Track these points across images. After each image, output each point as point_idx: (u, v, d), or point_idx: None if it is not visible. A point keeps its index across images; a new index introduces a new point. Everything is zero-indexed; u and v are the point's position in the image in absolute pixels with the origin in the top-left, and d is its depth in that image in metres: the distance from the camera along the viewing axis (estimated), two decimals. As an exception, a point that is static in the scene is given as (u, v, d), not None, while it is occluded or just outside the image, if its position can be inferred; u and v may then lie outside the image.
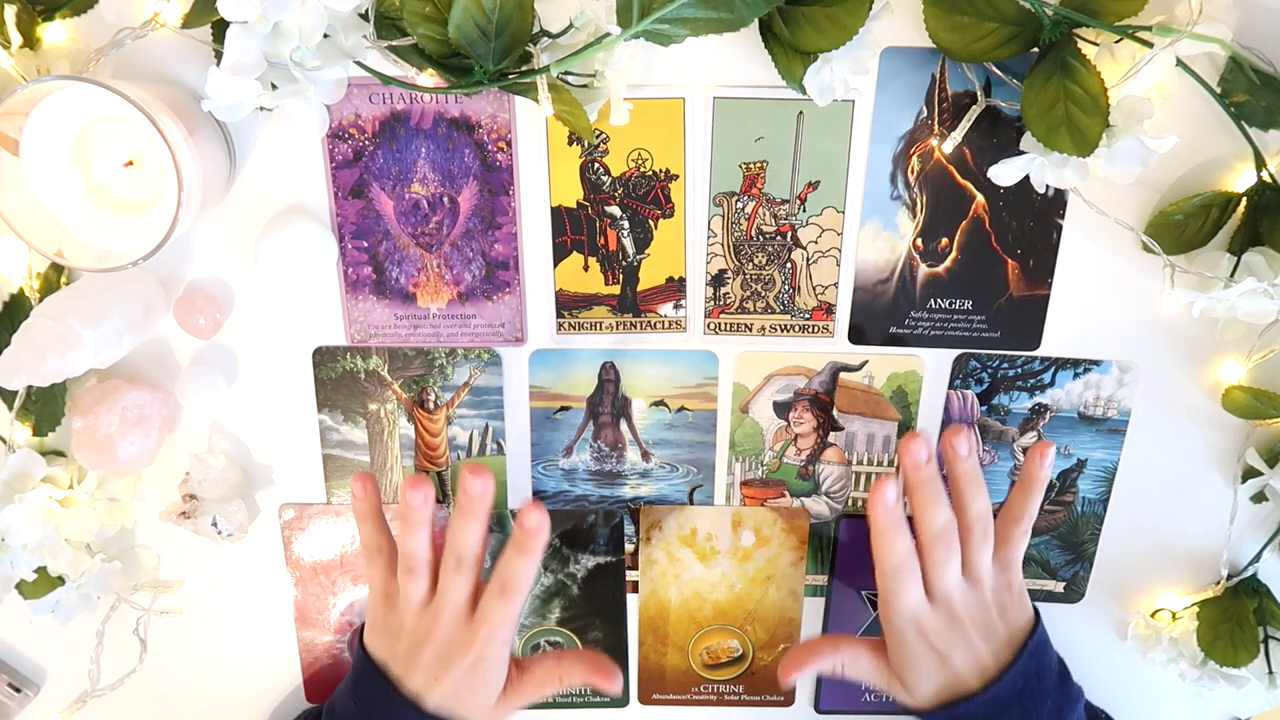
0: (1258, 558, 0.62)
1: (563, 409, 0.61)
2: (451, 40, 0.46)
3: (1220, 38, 0.48)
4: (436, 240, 0.57)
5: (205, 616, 0.66)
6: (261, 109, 0.49)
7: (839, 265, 0.58)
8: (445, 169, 0.56)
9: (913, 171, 0.56)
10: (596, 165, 0.56)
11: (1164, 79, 0.51)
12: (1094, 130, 0.47)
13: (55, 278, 0.56)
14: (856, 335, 0.60)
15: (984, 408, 0.61)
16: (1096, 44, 0.50)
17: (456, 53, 0.48)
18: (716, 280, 0.58)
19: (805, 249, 0.58)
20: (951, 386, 0.61)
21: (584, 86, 0.50)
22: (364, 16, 0.48)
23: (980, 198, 0.56)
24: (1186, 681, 0.64)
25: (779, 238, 0.57)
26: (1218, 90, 0.51)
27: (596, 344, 0.60)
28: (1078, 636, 0.66)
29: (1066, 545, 0.65)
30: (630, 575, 0.66)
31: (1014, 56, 0.49)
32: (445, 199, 0.56)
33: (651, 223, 0.57)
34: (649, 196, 0.57)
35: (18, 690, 0.66)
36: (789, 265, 0.58)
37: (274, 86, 0.47)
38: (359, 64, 0.49)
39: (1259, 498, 0.61)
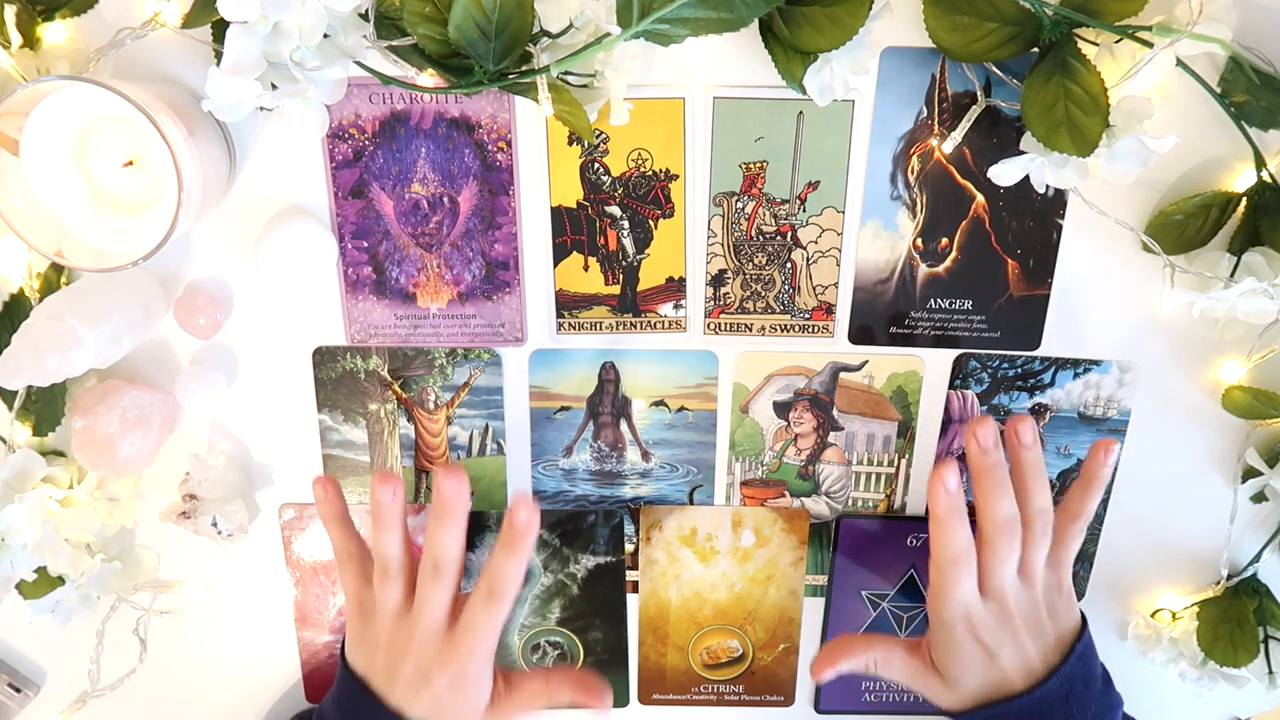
0: (1258, 558, 0.62)
1: (563, 409, 0.61)
2: (451, 40, 0.46)
3: (1220, 38, 0.48)
4: (436, 240, 0.57)
5: (205, 616, 0.65)
6: (261, 109, 0.48)
7: (839, 265, 0.58)
8: (445, 169, 0.56)
9: (913, 171, 0.56)
10: (596, 165, 0.56)
11: (1164, 79, 0.50)
12: (1094, 130, 0.47)
13: (55, 278, 0.56)
14: (856, 335, 0.60)
15: (984, 408, 0.61)
16: (1096, 44, 0.50)
17: (456, 53, 0.48)
18: (716, 280, 0.58)
19: (805, 249, 0.58)
20: (951, 386, 0.61)
21: (584, 86, 0.50)
22: (364, 16, 0.48)
23: (980, 198, 0.56)
24: (1186, 681, 0.64)
25: (779, 238, 0.57)
26: (1218, 90, 0.51)
27: (596, 344, 0.60)
28: (1078, 636, 0.66)
29: (1066, 545, 0.65)
30: (630, 575, 0.65)
31: (1014, 56, 0.49)
32: (445, 199, 0.56)
33: (651, 223, 0.57)
34: (649, 196, 0.57)
35: (18, 690, 0.66)
36: (789, 265, 0.58)
37: (274, 86, 0.47)
38: (359, 64, 0.49)
39: (1259, 498, 0.61)
